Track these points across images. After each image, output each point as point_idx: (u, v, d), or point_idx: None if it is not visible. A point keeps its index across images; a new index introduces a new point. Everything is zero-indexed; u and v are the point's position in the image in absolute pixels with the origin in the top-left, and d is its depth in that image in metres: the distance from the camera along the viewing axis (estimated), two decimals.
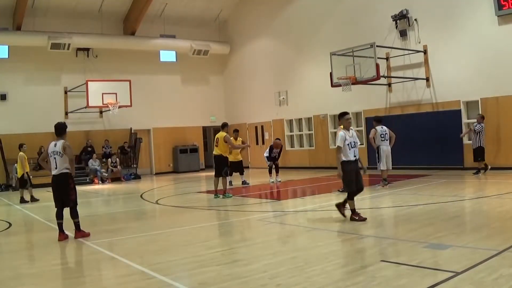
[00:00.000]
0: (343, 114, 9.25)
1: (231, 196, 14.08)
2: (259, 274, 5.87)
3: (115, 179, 23.82)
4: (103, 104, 22.99)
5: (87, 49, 25.62)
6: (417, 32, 19.18)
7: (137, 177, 25.06)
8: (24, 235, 9.82)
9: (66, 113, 24.78)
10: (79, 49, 25.32)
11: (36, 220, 11.96)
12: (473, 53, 17.56)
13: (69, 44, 23.80)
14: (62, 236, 8.76)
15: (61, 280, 6.21)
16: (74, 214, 8.90)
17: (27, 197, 16.09)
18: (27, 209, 14.14)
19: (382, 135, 14.36)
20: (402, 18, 19.52)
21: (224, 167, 14.22)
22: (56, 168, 8.81)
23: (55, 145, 8.86)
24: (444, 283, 4.96)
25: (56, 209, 8.90)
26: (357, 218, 8.98)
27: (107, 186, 21.62)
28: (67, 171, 8.83)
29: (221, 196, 13.99)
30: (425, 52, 18.92)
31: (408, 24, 19.44)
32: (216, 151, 14.34)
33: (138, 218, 12.18)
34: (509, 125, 16.54)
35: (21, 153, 16.10)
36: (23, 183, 16.04)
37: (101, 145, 24.87)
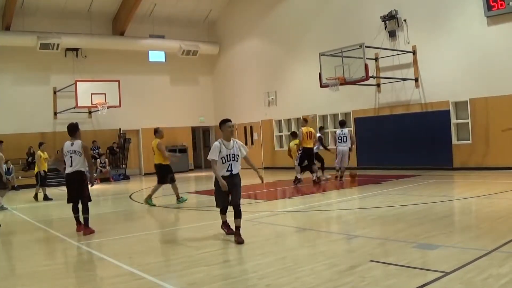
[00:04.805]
0: (224, 121, 7.97)
1: (186, 199, 13.81)
2: (249, 275, 5.87)
3: (104, 180, 23.69)
4: (92, 104, 22.91)
5: (76, 49, 25.49)
6: (406, 32, 19.26)
7: (126, 177, 24.96)
8: (12, 235, 9.73)
9: (55, 114, 24.65)
10: (68, 49, 25.19)
11: (25, 220, 11.86)
12: (462, 54, 17.65)
13: (58, 44, 23.64)
14: (80, 227, 9.21)
15: (51, 280, 6.15)
16: (86, 210, 9.18)
17: (39, 194, 16.25)
18: (16, 209, 14.02)
19: (340, 138, 16.43)
20: (391, 19, 19.60)
21: (168, 174, 13.73)
22: (71, 166, 9.06)
23: (72, 144, 9.14)
24: (433, 283, 4.98)
25: (71, 204, 9.33)
26: (226, 230, 8.42)
27: (96, 187, 21.40)
28: (83, 169, 9.13)
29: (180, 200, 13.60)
30: (414, 52, 19.00)
31: (397, 25, 19.51)
32: (155, 160, 13.87)
33: (127, 218, 12.14)
34: (497, 125, 16.62)
35: (38, 151, 16.30)
36: (41, 180, 16.13)
37: (89, 147, 24.68)
